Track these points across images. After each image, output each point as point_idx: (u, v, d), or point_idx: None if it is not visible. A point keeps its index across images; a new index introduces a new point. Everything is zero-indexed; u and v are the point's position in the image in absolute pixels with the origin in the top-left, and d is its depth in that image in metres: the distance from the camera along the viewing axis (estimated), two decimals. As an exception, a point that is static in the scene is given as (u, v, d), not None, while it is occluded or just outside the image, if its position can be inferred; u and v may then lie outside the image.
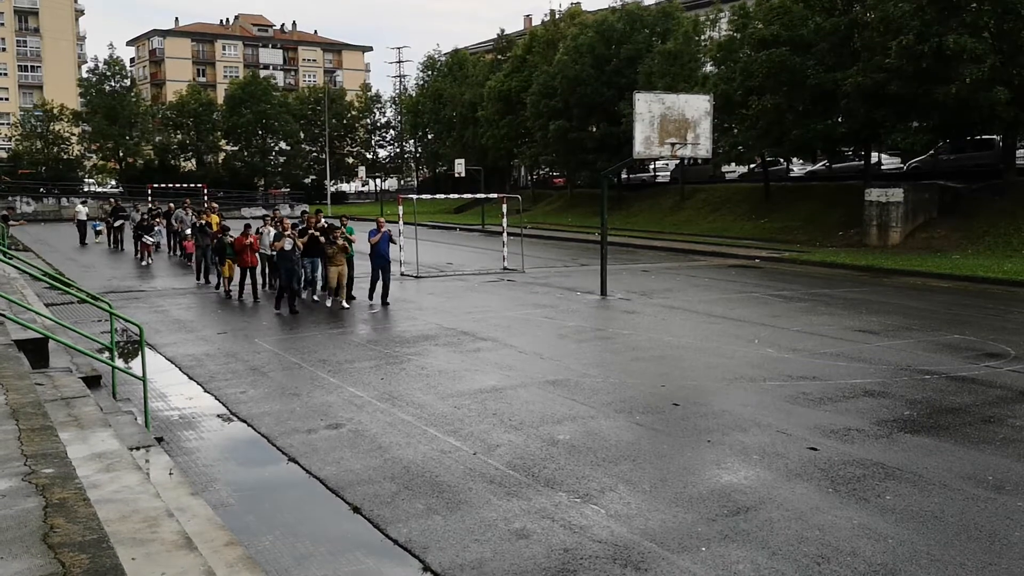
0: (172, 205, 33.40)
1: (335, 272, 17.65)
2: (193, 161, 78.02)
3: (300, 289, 18.03)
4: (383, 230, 18.13)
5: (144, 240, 27.60)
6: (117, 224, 33.33)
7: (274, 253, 18.74)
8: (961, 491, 7.27)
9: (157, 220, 30.82)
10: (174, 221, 29.98)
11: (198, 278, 22.66)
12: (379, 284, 18.29)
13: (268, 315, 17.21)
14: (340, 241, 17.56)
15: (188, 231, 26.95)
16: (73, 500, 3.83)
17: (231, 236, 19.61)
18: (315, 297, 18.83)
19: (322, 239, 17.86)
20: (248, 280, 19.42)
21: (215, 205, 29.42)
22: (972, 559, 6.00)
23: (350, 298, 18.30)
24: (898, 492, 7.25)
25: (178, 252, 29.40)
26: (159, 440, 8.16)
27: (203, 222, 23.31)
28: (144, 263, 27.01)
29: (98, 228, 36.37)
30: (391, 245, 18.56)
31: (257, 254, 19.44)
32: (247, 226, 19.55)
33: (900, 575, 5.77)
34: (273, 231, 19.20)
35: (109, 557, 3.21)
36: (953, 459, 8.09)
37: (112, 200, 39.19)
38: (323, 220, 19.42)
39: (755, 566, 5.89)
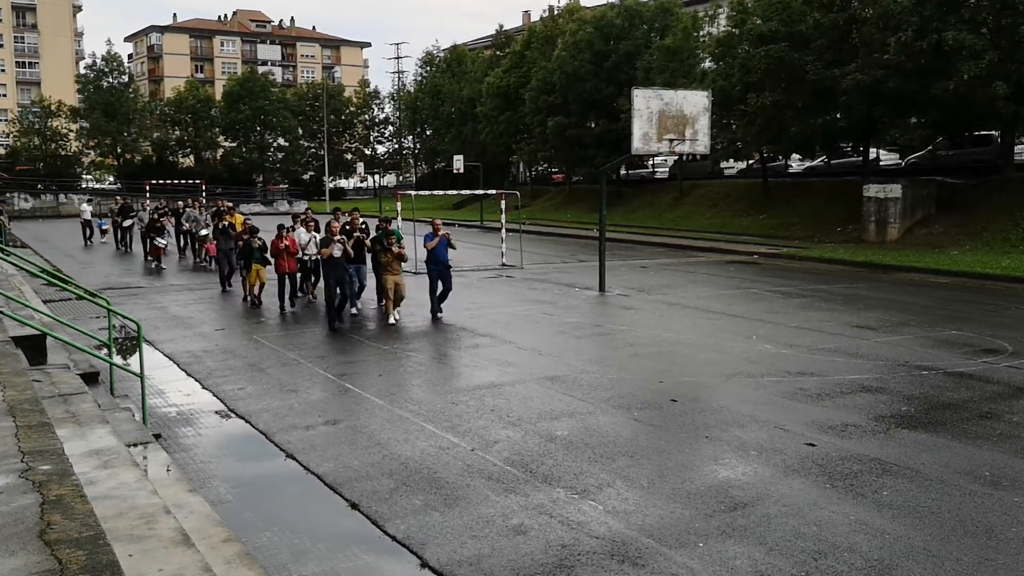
0: (181, 203, 31.03)
1: (392, 282, 15.30)
2: (191, 157, 78.03)
3: (352, 298, 15.90)
4: (440, 233, 16.03)
5: (155, 242, 25.89)
6: (126, 224, 31.34)
7: (309, 257, 17.20)
8: (958, 487, 7.28)
9: (166, 219, 28.30)
10: (184, 221, 27.83)
11: (223, 286, 20.43)
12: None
13: (269, 312, 17.20)
14: (396, 248, 15.30)
15: (203, 232, 25.20)
16: (70, 497, 3.83)
17: (260, 239, 17.72)
18: (354, 310, 16.37)
19: (368, 242, 16.01)
20: (287, 288, 17.23)
21: (230, 204, 26.89)
22: (968, 554, 6.01)
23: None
24: (895, 488, 7.26)
25: (188, 254, 27.65)
26: (157, 437, 8.16)
27: (226, 223, 21.03)
28: (154, 266, 25.35)
29: (104, 227, 34.89)
30: (449, 250, 16.28)
31: (295, 259, 17.35)
32: (281, 227, 17.35)
33: (897, 570, 5.79)
34: (306, 232, 17.39)
35: (106, 554, 3.21)
36: (950, 455, 8.10)
37: (119, 198, 36.61)
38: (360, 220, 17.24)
39: (752, 562, 5.90)
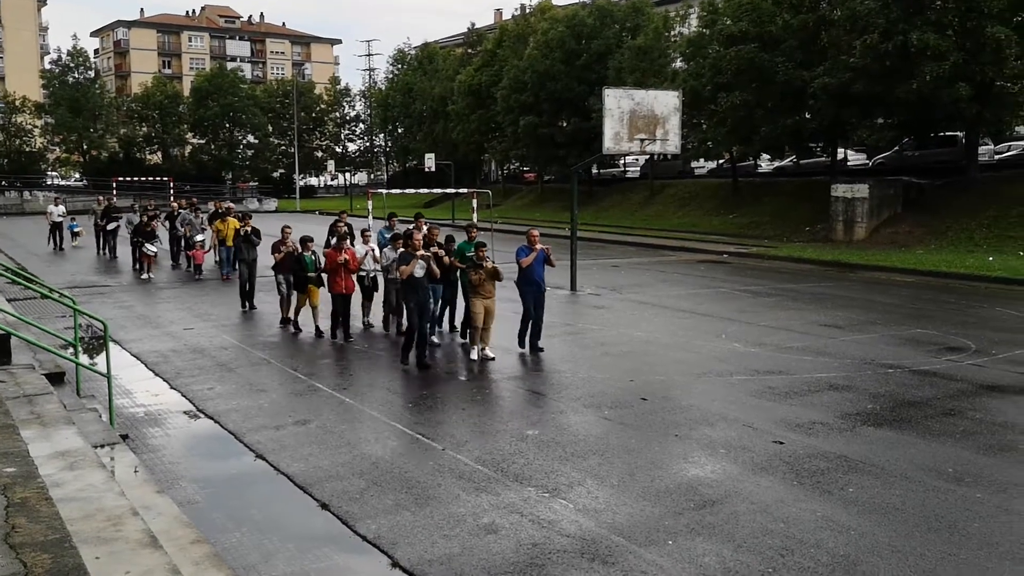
0: (176, 205, 27.63)
1: (482, 306, 12.43)
2: (159, 154, 77.17)
3: (431, 330, 13.13)
4: (537, 247, 13.15)
5: (145, 249, 22.58)
6: (110, 228, 27.70)
7: (367, 273, 14.57)
8: (922, 483, 7.41)
9: (157, 222, 24.45)
10: (179, 224, 24.49)
11: (244, 305, 17.22)
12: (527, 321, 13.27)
13: (236, 312, 17.03)
14: (490, 263, 12.61)
15: (199, 238, 22.98)
16: (35, 499, 3.80)
17: (312, 251, 14.78)
18: (436, 339, 13.72)
19: (446, 258, 13.29)
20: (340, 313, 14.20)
21: (232, 206, 23.70)
22: (932, 550, 6.12)
23: (453, 330, 14.54)
24: (861, 484, 7.36)
25: (181, 261, 24.87)
26: (124, 437, 8.08)
27: (248, 229, 17.87)
28: (144, 276, 22.30)
29: (76, 229, 31.34)
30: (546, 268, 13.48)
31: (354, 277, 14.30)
32: (340, 238, 14.55)
33: (862, 566, 5.87)
34: (363, 244, 14.72)
35: (72, 557, 3.18)
36: (915, 451, 8.23)
37: (102, 198, 32.41)
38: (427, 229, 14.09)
39: (720, 559, 5.97)
